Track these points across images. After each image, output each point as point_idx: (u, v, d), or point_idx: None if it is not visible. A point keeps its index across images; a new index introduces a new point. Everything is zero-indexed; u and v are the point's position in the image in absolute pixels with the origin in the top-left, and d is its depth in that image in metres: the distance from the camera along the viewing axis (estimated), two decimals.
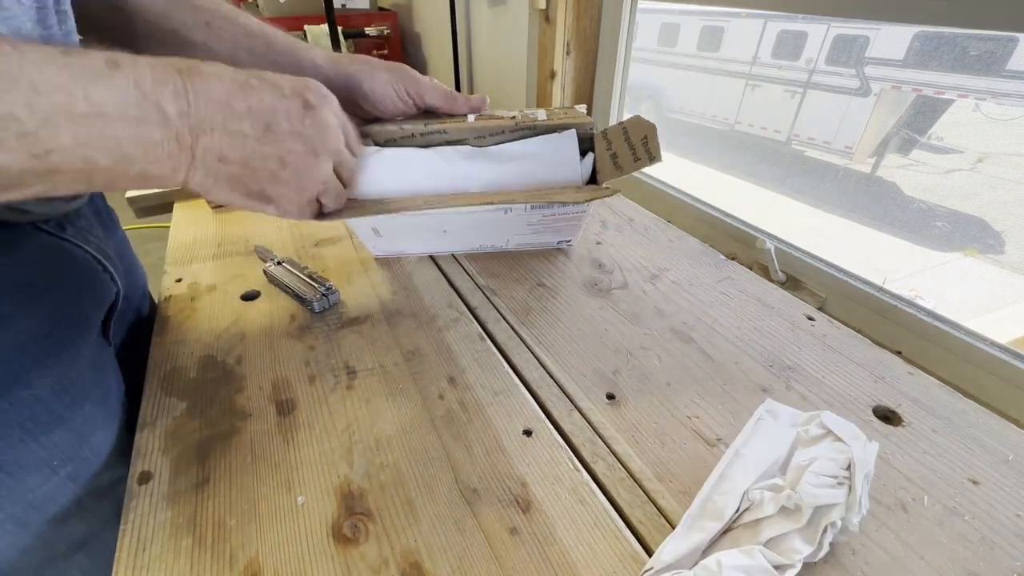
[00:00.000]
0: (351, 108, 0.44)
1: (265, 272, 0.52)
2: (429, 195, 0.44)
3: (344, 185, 0.37)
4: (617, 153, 0.47)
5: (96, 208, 0.44)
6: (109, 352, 0.41)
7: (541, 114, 0.49)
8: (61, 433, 0.34)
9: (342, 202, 0.38)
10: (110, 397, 0.39)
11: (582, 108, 0.51)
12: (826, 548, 0.27)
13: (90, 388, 0.37)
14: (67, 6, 0.33)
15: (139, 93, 0.24)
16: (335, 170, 0.35)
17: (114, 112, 0.23)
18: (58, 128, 0.21)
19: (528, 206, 0.46)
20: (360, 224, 0.50)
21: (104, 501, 0.37)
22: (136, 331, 0.47)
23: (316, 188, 0.34)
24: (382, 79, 0.44)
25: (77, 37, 0.35)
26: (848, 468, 0.29)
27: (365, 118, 0.47)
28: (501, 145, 0.46)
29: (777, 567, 0.25)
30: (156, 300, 0.51)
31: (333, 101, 0.33)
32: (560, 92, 0.99)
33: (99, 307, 0.39)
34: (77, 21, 0.33)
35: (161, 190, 0.71)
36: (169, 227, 0.64)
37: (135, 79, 0.24)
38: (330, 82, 0.40)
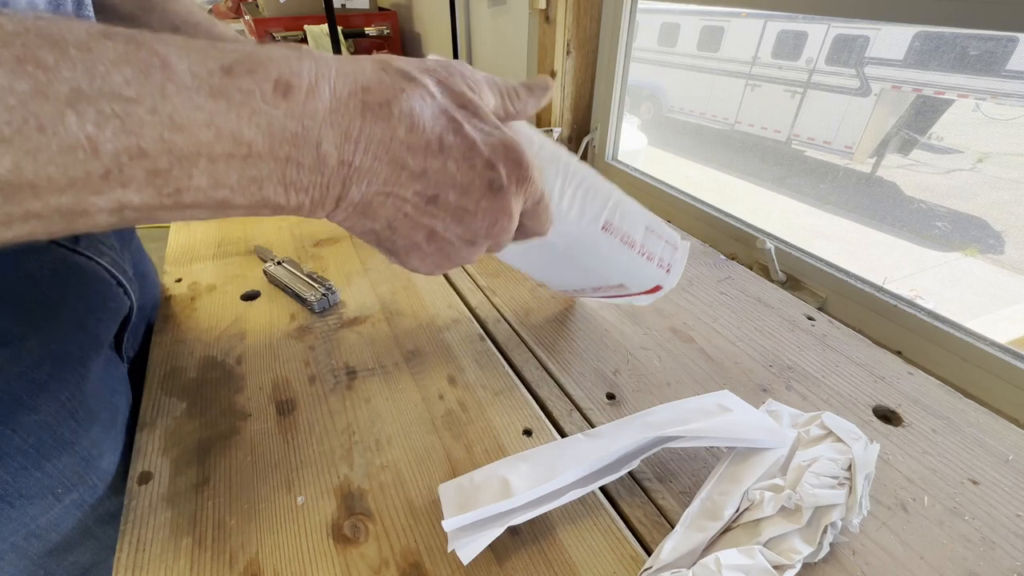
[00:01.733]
0: None
1: (265, 272, 0.52)
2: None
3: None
4: None
5: None
6: (120, 369, 0.40)
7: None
8: (66, 459, 0.33)
9: (544, 229, 0.30)
10: (118, 418, 0.38)
11: (557, 131, 0.55)
12: (826, 548, 0.27)
13: (98, 410, 0.36)
14: (89, 11, 0.32)
15: (302, 129, 0.19)
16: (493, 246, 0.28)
17: (263, 150, 0.19)
18: (194, 167, 0.17)
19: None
20: None
21: (111, 527, 0.35)
22: (149, 341, 0.46)
23: (455, 264, 0.28)
24: None
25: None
26: (848, 469, 0.29)
27: None
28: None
29: (776, 567, 0.25)
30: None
31: (529, 174, 0.25)
32: (560, 92, 0.99)
33: (111, 323, 0.38)
34: None
35: None
36: (169, 227, 0.64)
37: (305, 111, 0.19)
38: None
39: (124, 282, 0.39)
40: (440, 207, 0.24)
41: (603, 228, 0.36)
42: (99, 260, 0.37)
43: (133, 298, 0.40)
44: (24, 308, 0.31)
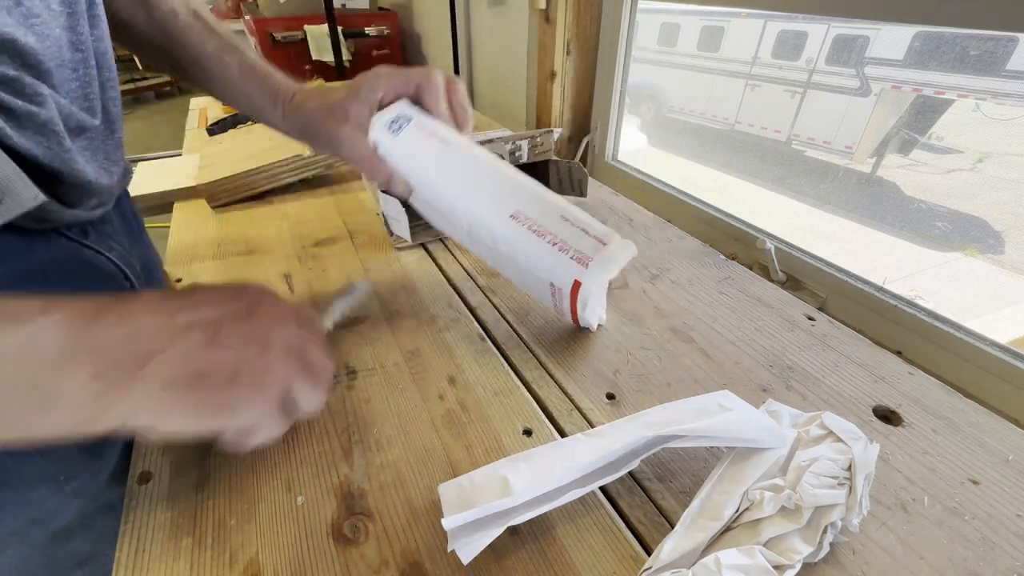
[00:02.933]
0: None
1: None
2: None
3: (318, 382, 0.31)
4: (561, 180, 0.67)
5: (123, 212, 0.43)
6: None
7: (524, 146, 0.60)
8: (68, 447, 0.33)
9: (320, 402, 0.31)
10: None
11: (558, 131, 0.62)
12: (826, 548, 0.27)
13: None
14: (100, 10, 0.33)
15: (68, 337, 0.22)
16: (302, 369, 0.29)
17: (40, 357, 0.21)
18: None
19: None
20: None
21: (110, 517, 0.35)
22: None
23: (281, 386, 0.28)
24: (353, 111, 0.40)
25: (109, 42, 0.34)
26: (848, 469, 0.29)
27: None
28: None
29: (776, 567, 0.25)
30: None
31: (275, 298, 0.30)
32: (560, 92, 0.99)
33: None
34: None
35: (162, 200, 0.71)
36: (169, 227, 0.64)
37: (59, 320, 0.22)
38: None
39: (131, 276, 0.39)
40: (225, 338, 0.26)
41: (512, 216, 0.38)
42: (108, 254, 0.37)
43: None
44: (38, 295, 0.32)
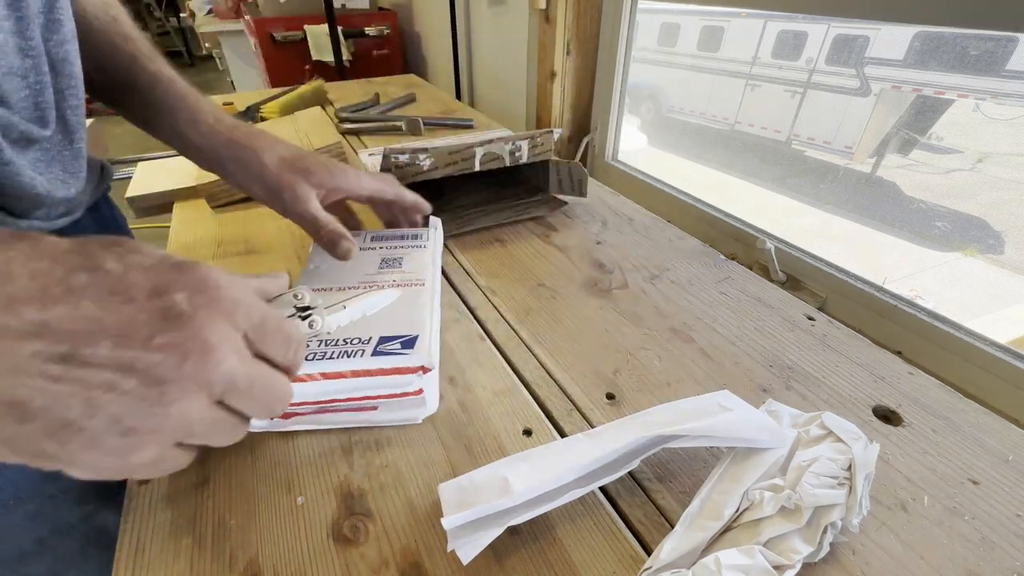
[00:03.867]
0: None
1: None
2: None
3: (249, 413, 0.23)
4: (561, 180, 0.67)
5: (101, 219, 0.41)
6: None
7: (524, 146, 0.60)
8: (22, 471, 0.30)
9: (240, 436, 0.24)
10: None
11: (558, 132, 0.61)
12: (826, 548, 0.27)
13: None
14: (62, 14, 0.31)
15: None
16: (225, 401, 0.21)
17: None
18: None
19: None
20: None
21: (69, 538, 0.34)
22: None
23: (150, 453, 0.19)
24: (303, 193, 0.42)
25: (73, 47, 0.32)
26: (848, 469, 0.29)
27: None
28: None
29: (776, 567, 0.25)
30: None
31: (230, 300, 0.20)
32: (560, 92, 0.99)
33: None
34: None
35: (162, 200, 0.71)
36: (169, 227, 0.64)
37: None
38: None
39: None
40: (86, 364, 0.17)
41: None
42: None
43: None
44: None
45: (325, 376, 0.32)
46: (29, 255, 0.17)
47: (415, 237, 0.48)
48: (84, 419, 0.17)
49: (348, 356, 0.33)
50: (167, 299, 0.18)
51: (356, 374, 0.33)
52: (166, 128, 0.41)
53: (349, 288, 0.40)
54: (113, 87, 0.40)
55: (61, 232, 0.35)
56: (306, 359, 0.33)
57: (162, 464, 0.20)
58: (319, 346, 0.34)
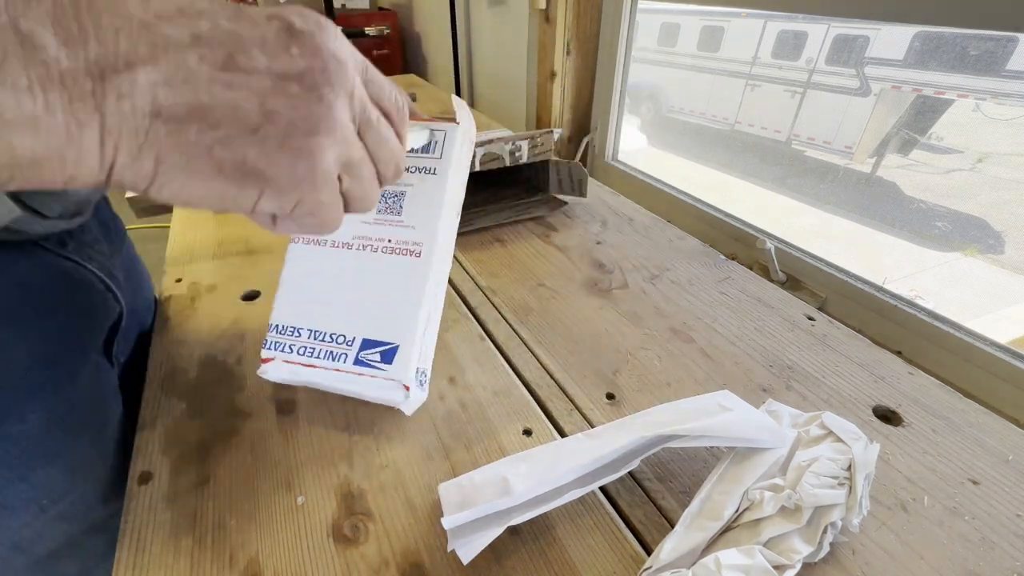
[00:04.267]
0: None
1: None
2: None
3: (381, 170, 0.23)
4: (561, 180, 0.67)
5: (102, 221, 0.42)
6: (111, 376, 0.39)
7: (524, 146, 0.60)
8: (53, 470, 0.32)
9: (376, 198, 0.23)
10: (109, 427, 0.37)
11: (558, 132, 0.61)
12: (826, 548, 0.27)
13: (88, 419, 0.35)
14: None
15: None
16: (363, 142, 0.21)
17: None
18: None
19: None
20: None
21: (98, 538, 0.35)
22: (142, 345, 0.45)
23: (332, 155, 0.19)
24: None
25: None
26: (848, 469, 0.29)
27: None
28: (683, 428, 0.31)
29: (776, 567, 0.25)
30: (157, 301, 0.51)
31: (335, 28, 0.20)
32: (560, 92, 0.99)
33: (99, 329, 0.37)
34: None
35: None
36: (169, 227, 0.64)
37: None
38: None
39: (113, 287, 0.38)
40: (247, 69, 0.17)
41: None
42: (87, 265, 0.36)
43: (123, 303, 0.39)
44: (11, 314, 0.30)
45: (312, 367, 0.33)
46: None
47: (426, 151, 0.34)
48: (267, 124, 0.18)
49: (332, 358, 0.33)
50: (284, 20, 0.18)
51: (340, 372, 0.32)
52: None
53: (343, 244, 0.35)
54: None
55: (70, 233, 0.35)
56: (290, 350, 0.33)
57: (335, 206, 0.21)
58: (307, 338, 0.34)
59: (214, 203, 0.19)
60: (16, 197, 0.28)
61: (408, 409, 0.34)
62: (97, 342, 0.37)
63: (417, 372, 0.33)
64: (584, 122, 1.04)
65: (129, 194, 0.69)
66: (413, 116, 0.29)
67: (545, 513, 0.29)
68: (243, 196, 0.18)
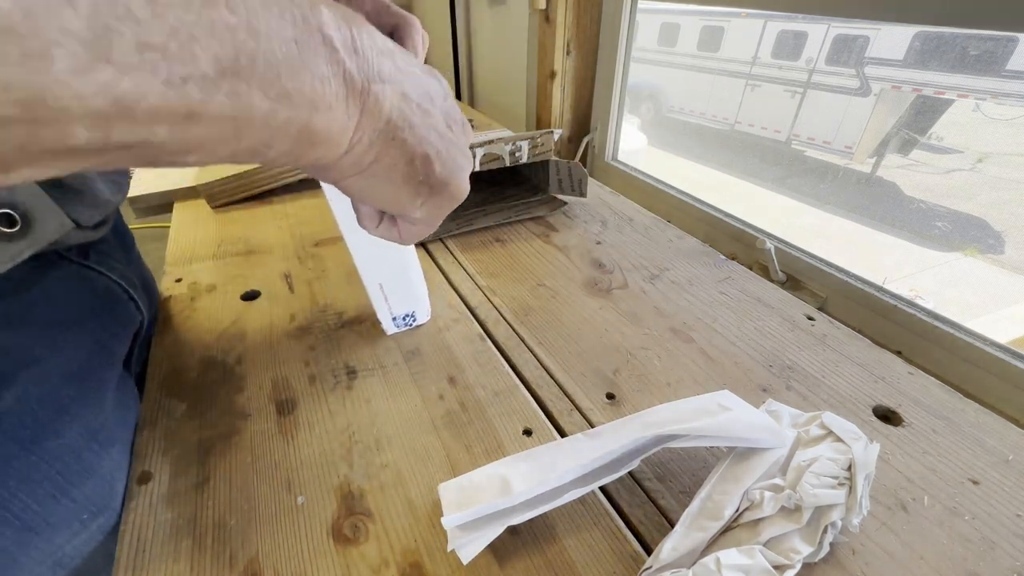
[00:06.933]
0: None
1: None
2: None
3: None
4: (561, 180, 0.67)
5: (117, 230, 0.42)
6: (131, 386, 0.39)
7: (525, 146, 0.60)
8: (92, 484, 0.32)
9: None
10: (131, 437, 0.37)
11: (558, 132, 0.62)
12: (826, 548, 0.27)
13: (117, 430, 0.35)
14: None
15: (298, 12, 0.16)
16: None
17: (270, 30, 0.15)
18: (194, 43, 0.13)
19: None
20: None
21: None
22: (148, 353, 0.45)
23: (467, 173, 0.26)
24: None
25: None
26: (848, 469, 0.29)
27: None
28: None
29: (776, 567, 0.25)
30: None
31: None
32: (560, 92, 0.99)
33: (124, 338, 0.37)
34: None
35: (162, 200, 0.71)
36: (169, 227, 0.64)
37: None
38: None
39: (135, 296, 0.38)
40: (430, 103, 0.23)
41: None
42: (110, 275, 0.36)
43: (144, 312, 0.39)
44: (44, 327, 0.30)
45: None
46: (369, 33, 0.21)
47: None
48: (442, 151, 0.23)
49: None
50: (436, 76, 0.24)
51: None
52: None
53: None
54: None
55: (93, 243, 0.35)
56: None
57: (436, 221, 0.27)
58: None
59: (387, 201, 0.23)
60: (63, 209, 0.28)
61: (422, 318, 0.47)
62: (123, 352, 0.37)
63: (395, 320, 0.45)
64: (584, 122, 1.04)
65: (129, 194, 0.69)
66: None
67: (545, 513, 0.29)
68: (411, 202, 0.24)
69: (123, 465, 0.35)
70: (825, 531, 0.27)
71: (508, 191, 0.70)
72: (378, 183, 0.22)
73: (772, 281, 0.56)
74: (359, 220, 0.27)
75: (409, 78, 0.21)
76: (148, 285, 0.46)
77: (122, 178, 0.35)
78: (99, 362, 0.34)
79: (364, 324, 0.47)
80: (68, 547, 0.31)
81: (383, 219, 0.27)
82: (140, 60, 0.12)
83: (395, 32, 0.33)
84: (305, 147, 0.18)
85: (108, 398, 0.34)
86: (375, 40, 0.20)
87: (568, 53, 0.96)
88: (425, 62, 0.27)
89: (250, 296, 0.50)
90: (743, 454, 0.30)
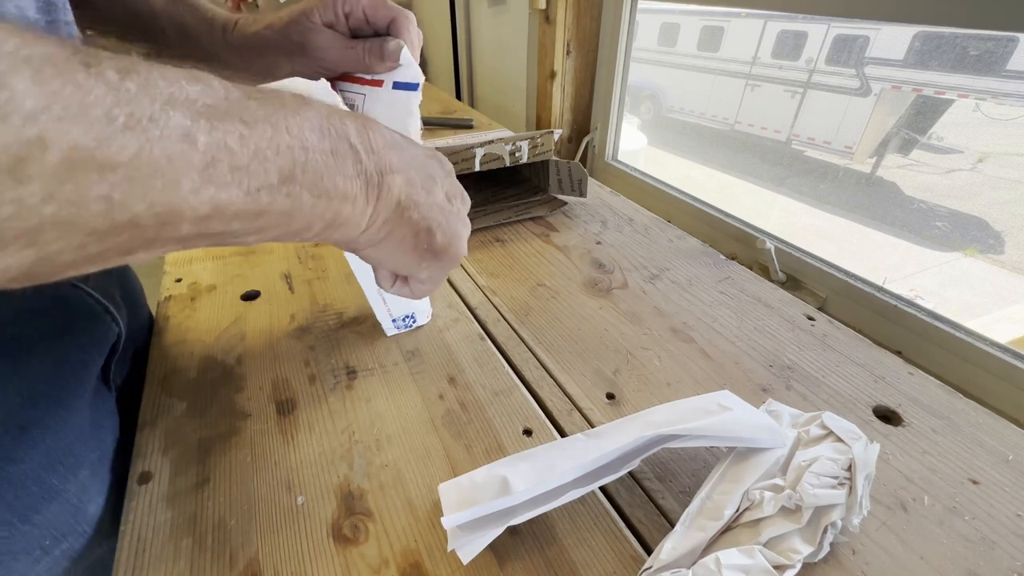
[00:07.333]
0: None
1: None
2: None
3: None
4: (561, 180, 0.68)
5: None
6: (109, 402, 0.38)
7: (525, 146, 0.61)
8: (55, 509, 0.31)
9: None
10: (106, 457, 0.35)
11: (558, 133, 0.62)
12: (826, 548, 0.27)
13: (86, 452, 0.33)
14: (70, 15, 0.30)
15: (330, 126, 0.22)
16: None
17: (314, 145, 0.21)
18: (267, 162, 0.19)
19: None
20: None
21: (98, 574, 0.33)
22: (137, 365, 0.43)
23: (465, 241, 0.31)
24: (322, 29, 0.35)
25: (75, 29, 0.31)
26: (848, 469, 0.29)
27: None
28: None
29: (776, 567, 0.25)
30: (157, 300, 0.51)
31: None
32: (560, 92, 0.99)
33: (99, 354, 0.36)
34: None
35: None
36: None
37: (324, 113, 0.22)
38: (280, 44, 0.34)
39: (112, 309, 0.36)
40: (435, 186, 0.28)
41: None
42: (83, 287, 0.34)
43: (121, 325, 0.38)
44: (7, 345, 0.29)
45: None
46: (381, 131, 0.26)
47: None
48: (445, 223, 0.28)
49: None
50: (439, 159, 0.30)
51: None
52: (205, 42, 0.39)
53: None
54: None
55: None
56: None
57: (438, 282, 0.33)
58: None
59: (398, 266, 0.29)
60: None
61: (422, 319, 0.47)
62: (96, 369, 0.36)
63: (395, 322, 0.45)
64: (584, 122, 1.04)
65: None
66: (346, 78, 0.36)
67: (545, 513, 0.29)
68: (417, 266, 0.29)
69: (92, 487, 0.34)
70: (825, 531, 0.27)
71: (508, 191, 0.70)
72: (390, 252, 0.27)
73: (772, 281, 0.56)
74: (377, 281, 0.32)
75: (414, 165, 0.26)
76: (131, 293, 0.44)
77: None
78: (67, 382, 0.32)
79: (364, 324, 0.47)
80: (30, 574, 0.30)
81: (397, 279, 0.31)
82: (231, 179, 0.18)
83: (391, 26, 0.34)
84: (334, 228, 0.23)
85: (77, 418, 0.33)
86: (385, 137, 0.25)
87: (568, 53, 0.96)
88: (424, 62, 0.29)
89: (250, 296, 0.50)
90: (743, 454, 0.30)
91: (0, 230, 0.13)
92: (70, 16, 0.30)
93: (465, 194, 0.31)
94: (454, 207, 0.29)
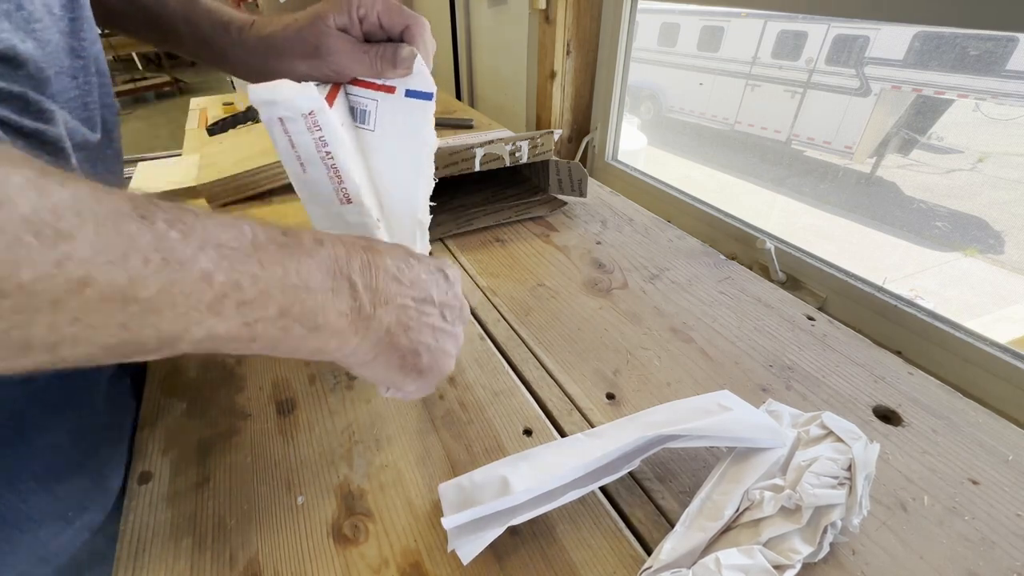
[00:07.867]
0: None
1: None
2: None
3: None
4: (561, 180, 0.67)
5: None
6: (125, 383, 0.39)
7: (524, 146, 0.60)
8: (78, 481, 0.33)
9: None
10: (124, 434, 0.37)
11: (558, 133, 0.62)
12: (826, 548, 0.27)
13: (107, 429, 0.35)
14: (89, 11, 0.31)
15: (337, 267, 0.24)
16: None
17: (317, 285, 0.23)
18: (270, 299, 0.21)
19: None
20: None
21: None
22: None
23: (453, 358, 0.32)
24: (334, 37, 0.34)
25: (99, 45, 0.32)
26: (848, 469, 0.29)
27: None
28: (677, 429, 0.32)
29: (777, 567, 0.25)
30: None
31: (459, 275, 0.33)
32: (560, 92, 0.99)
33: None
34: None
35: (168, 189, 0.71)
36: None
37: (335, 254, 0.24)
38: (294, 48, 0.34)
39: None
40: (431, 303, 0.29)
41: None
42: None
43: None
44: None
45: None
46: (387, 246, 0.28)
47: (362, 121, 0.36)
48: (434, 344, 0.29)
49: None
50: (443, 271, 0.31)
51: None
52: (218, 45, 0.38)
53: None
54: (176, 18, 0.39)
55: None
56: None
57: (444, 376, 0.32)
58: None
59: (385, 382, 0.30)
60: None
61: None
62: None
63: None
64: (584, 122, 1.04)
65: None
66: (359, 83, 0.35)
67: (545, 513, 0.29)
68: (404, 382, 0.29)
69: (112, 461, 0.35)
70: (825, 531, 0.27)
71: (508, 191, 0.70)
72: (377, 371, 0.28)
73: (772, 281, 0.56)
74: (377, 386, 0.32)
75: (415, 288, 0.28)
76: None
77: (113, 178, 0.35)
78: None
79: None
80: (52, 544, 0.32)
81: (390, 387, 0.32)
82: (235, 313, 0.20)
83: (405, 33, 0.34)
84: (320, 354, 0.25)
85: (99, 395, 0.34)
86: (388, 268, 0.27)
87: (568, 53, 0.96)
88: None
89: None
90: (743, 454, 0.30)
91: (29, 342, 0.16)
92: (89, 12, 0.31)
93: (465, 305, 0.32)
94: (448, 323, 0.30)
